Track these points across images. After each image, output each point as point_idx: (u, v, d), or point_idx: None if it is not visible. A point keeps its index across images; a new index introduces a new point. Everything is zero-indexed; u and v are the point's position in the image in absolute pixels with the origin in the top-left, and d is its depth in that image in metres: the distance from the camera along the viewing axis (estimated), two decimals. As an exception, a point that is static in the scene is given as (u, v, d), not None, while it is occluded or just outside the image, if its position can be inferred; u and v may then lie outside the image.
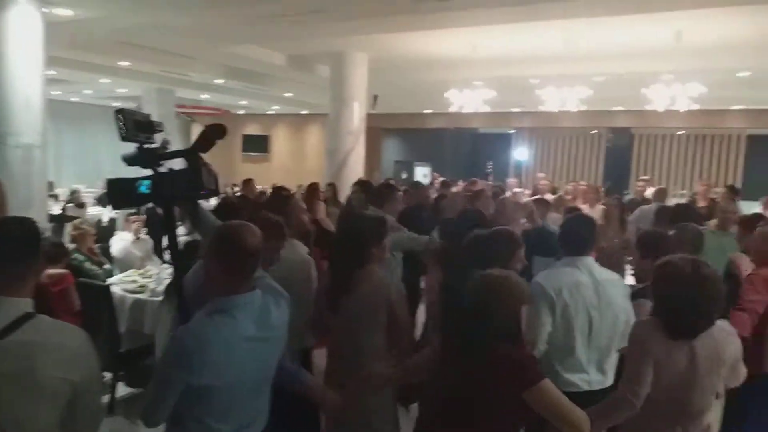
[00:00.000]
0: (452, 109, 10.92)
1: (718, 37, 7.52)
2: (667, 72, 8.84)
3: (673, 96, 8.91)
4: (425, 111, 16.31)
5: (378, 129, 16.65)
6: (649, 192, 8.72)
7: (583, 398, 2.18)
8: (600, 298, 2.73)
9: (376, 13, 6.76)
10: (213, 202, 9.03)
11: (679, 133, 14.94)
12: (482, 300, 2.00)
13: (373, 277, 2.72)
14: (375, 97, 10.24)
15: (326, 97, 9.56)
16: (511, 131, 16.97)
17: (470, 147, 17.97)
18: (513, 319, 2.00)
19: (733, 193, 7.26)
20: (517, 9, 6.30)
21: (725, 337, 2.20)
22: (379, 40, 8.33)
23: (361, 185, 6.13)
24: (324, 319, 2.83)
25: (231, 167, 18.60)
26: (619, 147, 15.54)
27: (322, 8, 6.62)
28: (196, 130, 17.65)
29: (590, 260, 2.87)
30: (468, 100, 10.50)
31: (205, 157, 2.22)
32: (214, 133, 2.24)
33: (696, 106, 9.77)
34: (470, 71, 10.02)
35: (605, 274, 2.86)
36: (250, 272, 1.95)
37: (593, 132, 15.90)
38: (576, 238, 2.89)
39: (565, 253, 2.89)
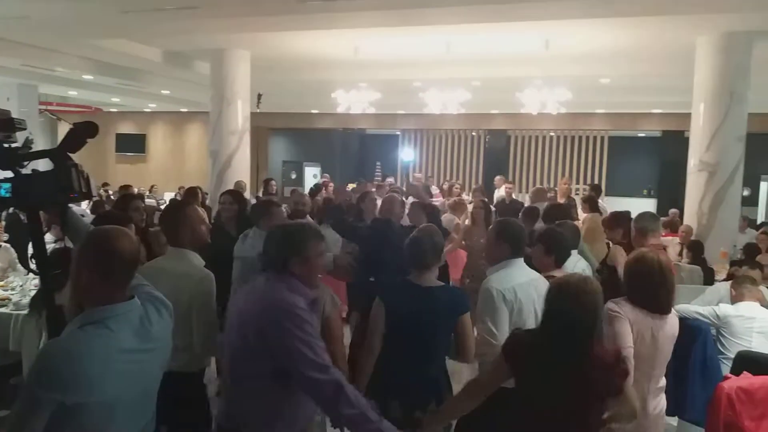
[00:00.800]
0: (340, 109, 10.98)
1: (582, 45, 8.16)
2: (538, 77, 9.45)
3: (544, 100, 9.55)
4: (313, 111, 16.26)
5: (264, 129, 16.36)
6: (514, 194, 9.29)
7: None
8: (538, 294, 2.81)
9: (258, 12, 6.64)
10: (84, 206, 8.50)
11: (551, 134, 16.00)
12: (589, 302, 2.16)
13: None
14: (259, 96, 10.04)
15: (207, 95, 9.25)
16: (398, 132, 17.35)
17: (359, 147, 18.15)
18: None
19: (596, 191, 8.01)
20: (396, 12, 6.47)
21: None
22: (262, 38, 8.19)
23: (233, 196, 4.79)
24: None
25: (104, 168, 17.47)
26: (497, 148, 16.38)
27: (198, 4, 6.40)
28: (64, 129, 16.41)
29: (522, 261, 3.03)
30: (354, 101, 10.61)
31: (75, 157, 2.08)
32: (84, 132, 2.09)
33: (564, 110, 10.54)
34: (354, 73, 10.12)
35: (533, 273, 3.06)
36: (126, 280, 1.84)
37: (473, 134, 16.64)
38: (519, 241, 3.01)
39: (511, 254, 2.98)
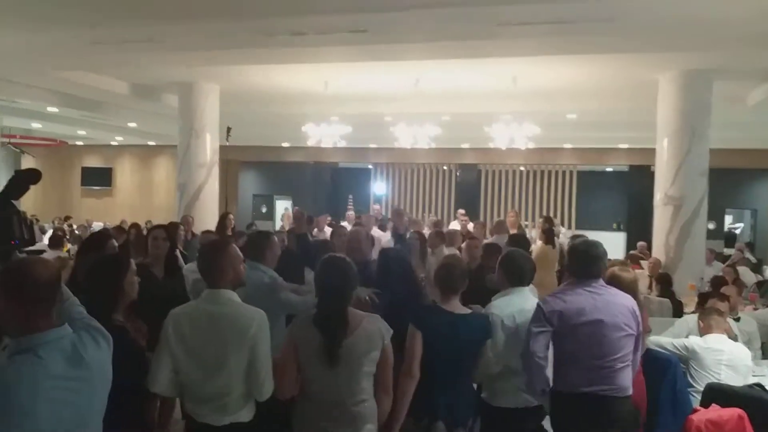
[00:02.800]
0: (310, 143, 10.95)
1: (549, 82, 8.31)
2: (507, 113, 9.58)
3: (513, 135, 9.66)
4: (284, 144, 16.23)
5: (235, 161, 16.25)
6: (470, 226, 9.21)
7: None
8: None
9: (226, 45, 6.61)
10: (45, 239, 8.23)
11: (521, 169, 16.21)
12: None
13: None
14: (228, 129, 9.96)
15: (175, 128, 9.15)
16: (370, 166, 17.39)
17: (331, 180, 18.12)
18: None
19: (549, 222, 8.28)
20: (365, 48, 6.49)
21: None
22: (230, 71, 8.17)
23: (167, 231, 4.21)
24: None
25: (69, 202, 17.10)
26: (468, 181, 16.51)
27: (166, 38, 6.35)
28: (27, 163, 16.08)
29: (525, 290, 3.25)
30: (325, 135, 10.60)
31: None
32: (26, 178, 2.16)
33: (533, 145, 10.68)
34: (325, 106, 10.14)
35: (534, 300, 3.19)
36: (47, 307, 1.81)
37: (444, 167, 16.76)
38: (519, 270, 3.23)
39: (510, 283, 3.22)
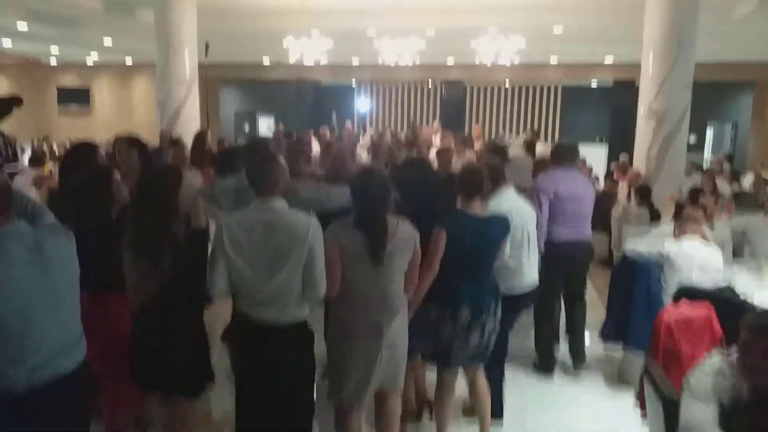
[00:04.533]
0: (292, 59, 10.69)
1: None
2: (492, 25, 9.38)
3: (498, 50, 9.50)
4: (265, 62, 15.80)
5: (215, 79, 15.87)
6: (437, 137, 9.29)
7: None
8: (525, 219, 3.68)
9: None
10: (26, 160, 8.13)
11: (506, 85, 16.04)
12: None
13: None
14: (207, 45, 9.67)
15: (152, 45, 8.86)
16: (353, 84, 17.08)
17: (313, 99, 17.80)
18: None
19: (535, 135, 8.50)
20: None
21: None
22: (208, -18, 7.86)
23: (130, 141, 3.97)
24: None
25: (46, 122, 16.73)
26: (454, 98, 16.33)
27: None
28: (1, 85, 15.54)
29: (509, 190, 3.72)
30: (307, 50, 10.34)
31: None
32: (8, 102, 2.15)
33: (519, 60, 10.53)
34: (305, 20, 9.84)
35: (519, 200, 3.75)
36: (4, 207, 2.01)
37: (429, 85, 16.53)
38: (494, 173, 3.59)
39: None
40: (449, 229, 3.08)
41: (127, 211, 2.81)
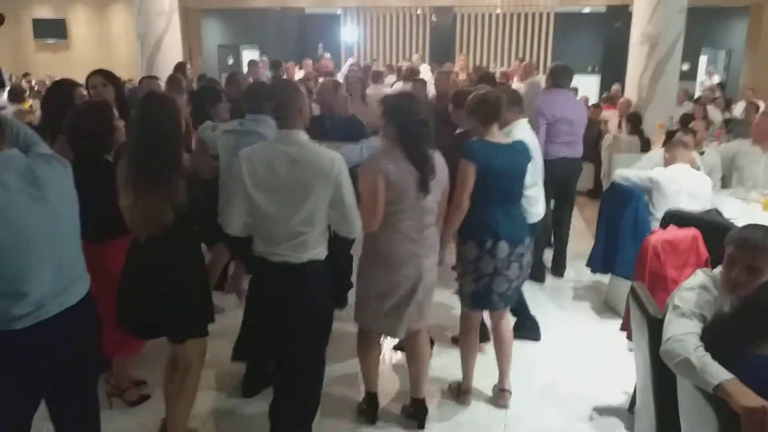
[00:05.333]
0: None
1: None
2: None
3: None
4: (246, -10, 15.21)
5: (195, 10, 15.30)
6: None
7: None
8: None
9: None
10: (5, 97, 7.91)
11: (497, 12, 15.57)
12: None
13: None
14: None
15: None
16: (339, 11, 16.51)
17: (299, 28, 17.25)
18: None
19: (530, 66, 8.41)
20: None
21: None
22: None
23: (105, 77, 3.86)
24: None
25: (23, 57, 16.16)
26: (443, 26, 15.87)
27: None
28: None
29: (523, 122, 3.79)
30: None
31: None
32: None
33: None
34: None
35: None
36: None
37: (418, 12, 16.00)
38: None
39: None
40: (479, 160, 2.95)
41: (124, 149, 2.74)
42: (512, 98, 3.68)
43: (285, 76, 8.21)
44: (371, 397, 3.14)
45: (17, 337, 1.90)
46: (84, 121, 2.85)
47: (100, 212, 2.60)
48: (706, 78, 14.52)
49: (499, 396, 3.34)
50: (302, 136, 2.53)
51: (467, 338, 3.26)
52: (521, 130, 3.63)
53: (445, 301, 4.31)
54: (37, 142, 2.11)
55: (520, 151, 3.13)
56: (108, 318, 2.71)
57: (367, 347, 3.02)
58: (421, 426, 3.09)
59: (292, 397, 2.64)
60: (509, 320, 3.36)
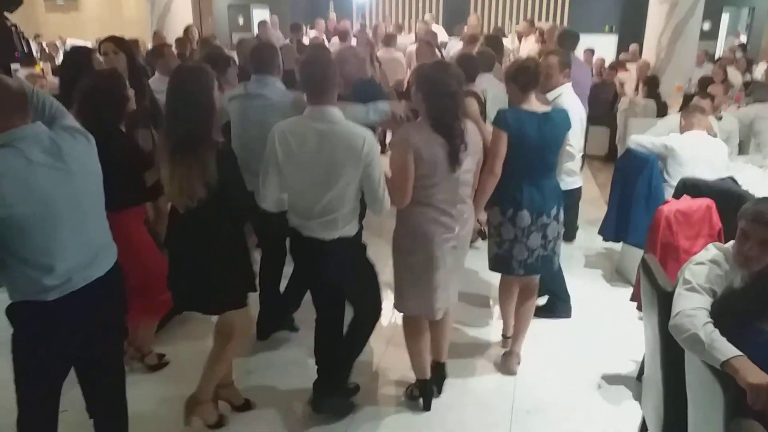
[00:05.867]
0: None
1: None
2: None
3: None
4: (256, -53, 14.87)
5: (205, -31, 15.02)
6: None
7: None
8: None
9: None
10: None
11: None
12: None
13: None
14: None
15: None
16: (350, -30, 16.13)
17: (309, -12, 16.91)
18: None
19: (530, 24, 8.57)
20: None
21: None
22: None
23: (117, 43, 3.78)
24: None
25: (32, 18, 16.03)
26: (458, -16, 15.48)
27: None
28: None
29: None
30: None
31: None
32: None
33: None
34: None
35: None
36: (18, 108, 1.92)
37: (432, -31, 15.59)
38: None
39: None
40: (511, 129, 2.94)
41: (137, 119, 2.74)
42: (562, 63, 3.65)
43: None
44: (423, 384, 3.05)
45: (49, 308, 1.96)
46: (95, 90, 2.84)
47: (114, 181, 2.62)
48: (732, 38, 14.08)
49: (506, 358, 3.40)
50: (335, 112, 2.51)
51: (505, 299, 3.38)
52: (566, 96, 3.60)
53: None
54: (63, 114, 2.12)
55: (557, 120, 3.06)
56: (132, 284, 2.76)
57: (415, 332, 2.94)
58: (439, 390, 3.13)
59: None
60: (535, 290, 3.33)
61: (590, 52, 9.17)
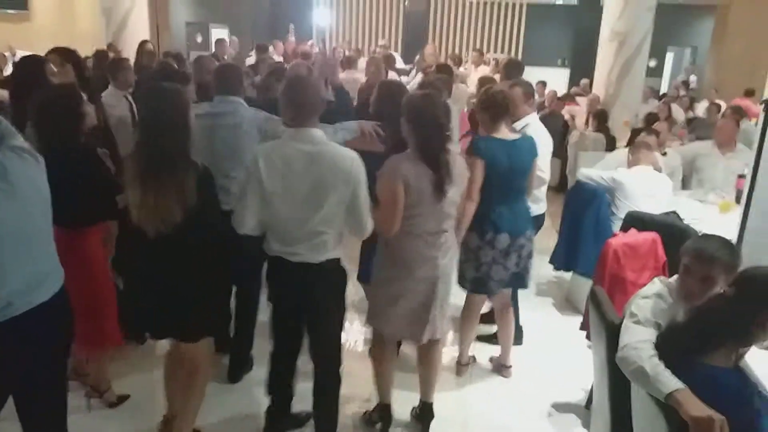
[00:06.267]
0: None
1: None
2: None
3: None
4: (217, -33, 14.85)
5: (164, -15, 14.89)
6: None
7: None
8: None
9: None
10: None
11: (470, 0, 15.57)
12: None
13: None
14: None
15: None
16: (311, -7, 16.28)
17: (269, 9, 16.95)
18: None
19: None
20: None
21: None
22: None
23: (63, 55, 3.79)
24: None
25: (-19, 28, 15.53)
26: (417, 12, 15.81)
27: None
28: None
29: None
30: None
31: None
32: None
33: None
34: None
35: None
36: None
37: (392, -4, 15.90)
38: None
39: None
40: (486, 156, 3.10)
41: (95, 135, 2.65)
42: (526, 93, 3.77)
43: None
44: (384, 409, 3.07)
45: None
46: (51, 104, 2.70)
47: (76, 199, 2.55)
48: (682, 76, 14.74)
49: (502, 371, 3.64)
50: (318, 133, 2.49)
51: (469, 318, 3.51)
52: (533, 125, 3.71)
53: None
54: (11, 134, 2.01)
55: (525, 147, 3.26)
56: (85, 309, 2.66)
57: (382, 355, 2.97)
58: (426, 430, 3.09)
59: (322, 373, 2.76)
60: (509, 301, 3.56)
61: (542, 84, 9.49)
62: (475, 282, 3.31)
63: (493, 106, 3.17)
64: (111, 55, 6.69)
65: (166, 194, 2.32)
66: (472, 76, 8.95)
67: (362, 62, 9.33)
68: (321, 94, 2.55)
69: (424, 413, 3.10)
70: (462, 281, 3.34)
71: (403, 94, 3.09)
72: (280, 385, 2.86)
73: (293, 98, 2.49)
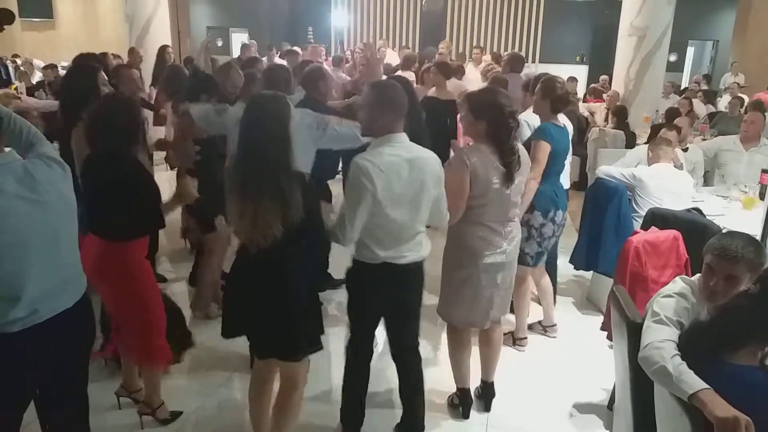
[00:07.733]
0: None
1: None
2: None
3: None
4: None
5: (184, -9, 15.10)
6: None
7: None
8: None
9: None
10: None
11: (489, -3, 15.51)
12: None
13: None
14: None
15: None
16: (329, -5, 16.35)
17: (289, 12, 17.07)
18: None
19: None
20: None
21: None
22: None
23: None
24: None
25: (8, 36, 15.85)
26: (434, 11, 15.79)
27: None
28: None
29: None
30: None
31: None
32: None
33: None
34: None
35: None
36: None
37: (410, -4, 15.89)
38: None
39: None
40: (553, 141, 3.49)
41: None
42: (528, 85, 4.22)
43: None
44: (464, 393, 3.20)
45: (11, 341, 1.91)
46: (115, 116, 2.66)
47: (126, 210, 2.55)
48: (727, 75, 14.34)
49: (519, 342, 3.91)
50: (405, 137, 2.59)
51: (526, 293, 3.79)
52: (562, 116, 3.87)
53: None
54: (41, 142, 2.08)
55: (567, 133, 3.72)
56: (133, 324, 2.72)
57: (458, 343, 3.10)
58: (487, 408, 3.27)
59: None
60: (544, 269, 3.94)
61: (573, 80, 9.41)
62: (537, 257, 3.68)
63: (558, 99, 3.57)
64: (116, 62, 6.79)
65: (270, 206, 2.25)
66: (468, 75, 8.85)
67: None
68: (405, 101, 2.60)
69: (485, 392, 3.27)
70: (523, 258, 3.50)
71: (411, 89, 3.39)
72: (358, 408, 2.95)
73: (391, 104, 2.54)
